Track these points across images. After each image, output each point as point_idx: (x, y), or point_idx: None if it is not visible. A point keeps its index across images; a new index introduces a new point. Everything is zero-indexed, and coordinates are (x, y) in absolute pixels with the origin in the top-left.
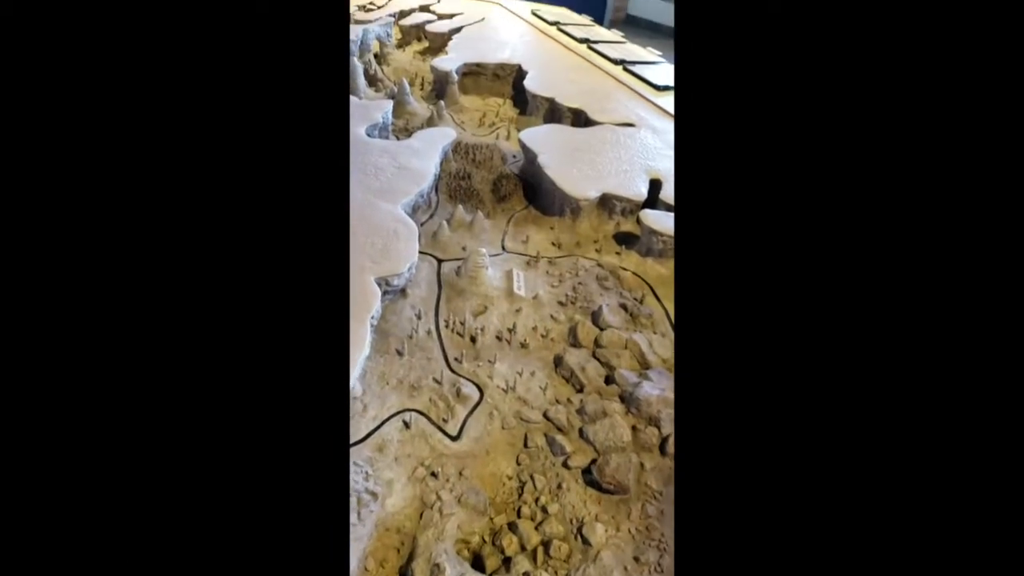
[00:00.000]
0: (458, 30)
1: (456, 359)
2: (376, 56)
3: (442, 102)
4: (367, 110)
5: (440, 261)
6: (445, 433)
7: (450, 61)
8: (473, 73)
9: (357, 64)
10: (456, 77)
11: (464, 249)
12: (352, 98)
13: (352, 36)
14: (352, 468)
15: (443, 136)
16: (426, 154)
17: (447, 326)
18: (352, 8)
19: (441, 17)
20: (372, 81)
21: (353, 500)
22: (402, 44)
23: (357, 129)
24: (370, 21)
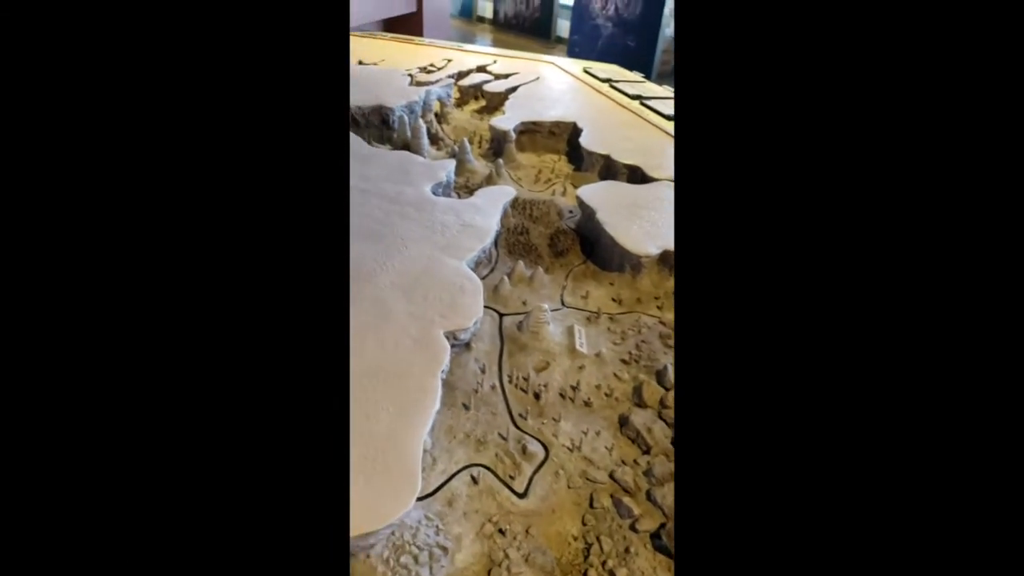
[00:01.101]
0: (514, 89)
1: (520, 415)
2: (437, 115)
3: (500, 160)
4: (432, 170)
5: (502, 315)
6: (512, 490)
7: (508, 120)
8: (529, 131)
9: (421, 124)
10: (513, 135)
11: (525, 304)
12: (417, 157)
13: (416, 97)
14: (423, 521)
15: (503, 194)
16: (488, 211)
17: (510, 381)
18: (414, 70)
19: (497, 77)
20: (434, 140)
21: (425, 554)
22: (460, 103)
23: (423, 188)
24: (432, 82)
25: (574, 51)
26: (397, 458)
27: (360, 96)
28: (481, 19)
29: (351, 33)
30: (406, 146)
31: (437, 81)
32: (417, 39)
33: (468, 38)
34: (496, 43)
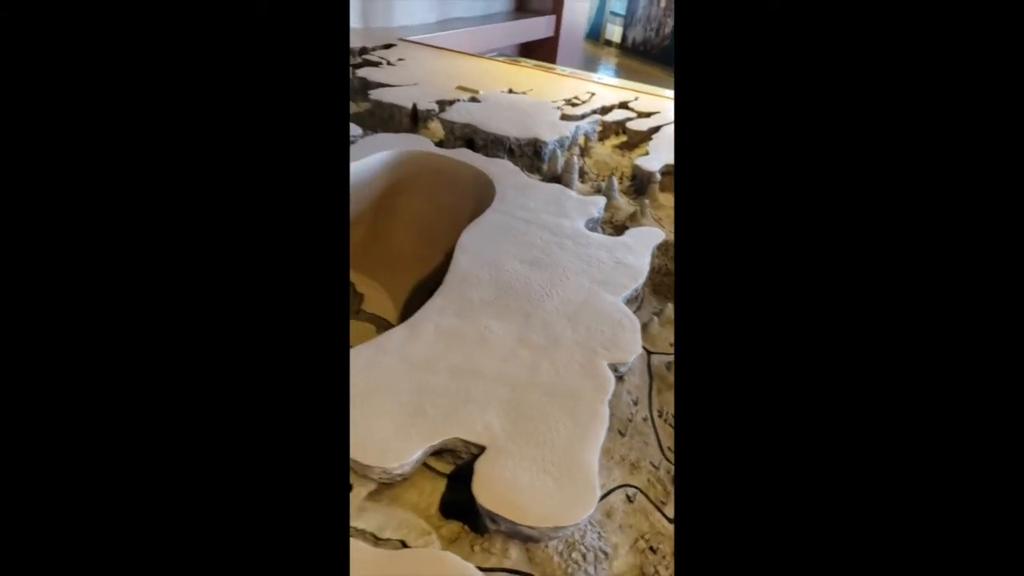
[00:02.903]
0: (657, 129)
1: (670, 448)
2: (580, 149)
3: (646, 200)
4: (584, 205)
5: (651, 353)
6: (663, 514)
7: (653, 160)
8: (671, 172)
9: (574, 159)
10: (659, 176)
11: (671, 345)
12: (571, 191)
13: (567, 132)
14: (588, 526)
15: (653, 236)
16: (639, 251)
17: (660, 416)
18: (560, 102)
19: (640, 115)
20: (580, 174)
21: (591, 555)
22: (602, 137)
23: (578, 222)
24: (578, 116)
25: None
26: (577, 468)
27: (515, 127)
28: (608, 42)
29: (494, 58)
30: (555, 178)
31: (583, 116)
32: (559, 68)
33: (593, 61)
34: (621, 68)
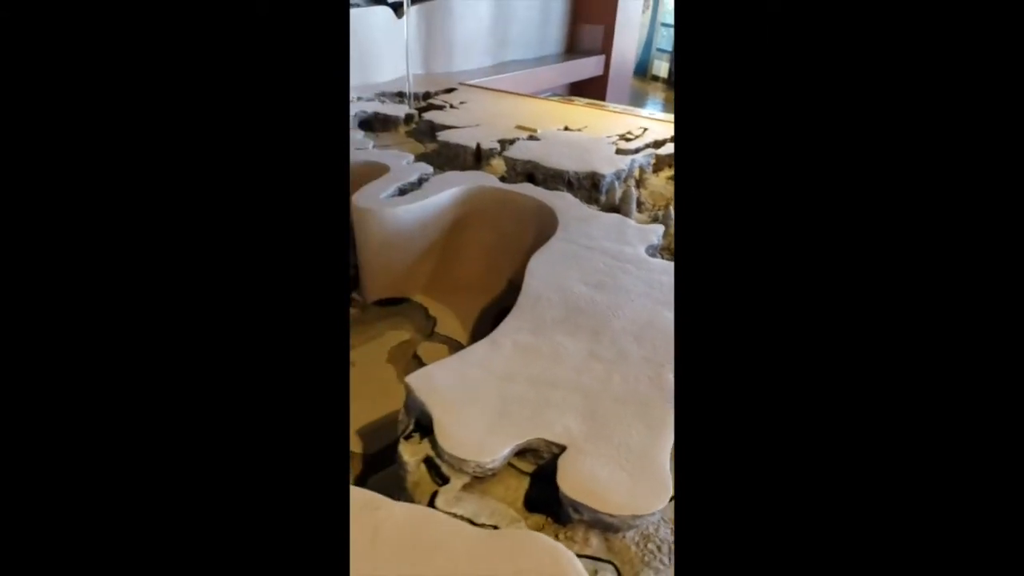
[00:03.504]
0: None
1: None
2: (636, 181)
3: None
4: (644, 233)
5: None
6: None
7: None
8: None
9: (632, 190)
10: None
11: None
12: (630, 221)
13: (623, 165)
14: (662, 522)
15: None
16: None
17: None
18: (614, 137)
19: None
20: (637, 204)
21: (665, 547)
22: (656, 169)
23: (639, 249)
24: (633, 150)
25: None
26: (650, 465)
27: (573, 162)
28: (655, 78)
29: (549, 98)
30: (613, 208)
31: (637, 150)
32: (610, 105)
33: (641, 96)
34: (668, 102)
